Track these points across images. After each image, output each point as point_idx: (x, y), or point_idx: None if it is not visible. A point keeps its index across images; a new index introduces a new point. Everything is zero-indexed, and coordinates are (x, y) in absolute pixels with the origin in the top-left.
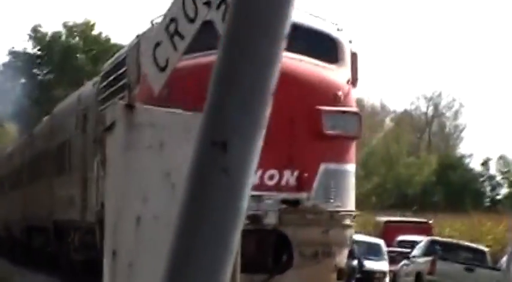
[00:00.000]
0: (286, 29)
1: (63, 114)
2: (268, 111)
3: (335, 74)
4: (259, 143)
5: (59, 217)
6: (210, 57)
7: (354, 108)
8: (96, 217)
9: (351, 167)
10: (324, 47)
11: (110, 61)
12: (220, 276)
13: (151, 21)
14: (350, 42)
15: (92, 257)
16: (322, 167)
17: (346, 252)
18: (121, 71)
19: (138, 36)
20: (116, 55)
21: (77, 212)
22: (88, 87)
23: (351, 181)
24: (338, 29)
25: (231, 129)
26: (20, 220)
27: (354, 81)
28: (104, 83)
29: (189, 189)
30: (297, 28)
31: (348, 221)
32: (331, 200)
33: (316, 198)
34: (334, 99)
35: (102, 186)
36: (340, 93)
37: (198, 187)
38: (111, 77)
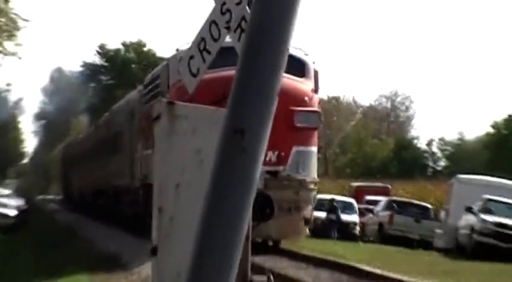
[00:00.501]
0: (288, 48)
1: (117, 112)
2: (274, 106)
3: (303, 85)
4: (268, 130)
5: (116, 183)
6: (219, 73)
7: (316, 108)
8: (140, 184)
9: (314, 149)
10: (296, 66)
11: (149, 76)
12: (242, 227)
13: (177, 49)
14: (313, 63)
15: (138, 212)
16: (294, 149)
17: (311, 207)
18: (156, 83)
19: (167, 59)
20: (153, 71)
21: (127, 180)
22: (134, 93)
23: (314, 158)
24: (305, 54)
25: (248, 120)
26: (89, 186)
27: (316, 90)
28: (145, 91)
29: (217, 164)
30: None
31: (312, 186)
32: (300, 171)
33: (290, 170)
34: (302, 102)
35: (143, 163)
36: (306, 98)
37: (223, 163)
38: (149, 87)
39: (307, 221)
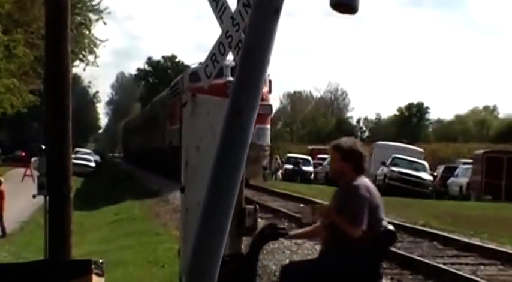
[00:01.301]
0: (269, 59)
1: (155, 103)
2: (259, 98)
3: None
4: (255, 113)
5: (154, 145)
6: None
7: (270, 102)
8: (167, 146)
9: (268, 126)
10: None
11: (173, 82)
12: (240, 171)
13: (189, 67)
14: (268, 75)
15: (166, 162)
16: (256, 126)
17: (267, 160)
18: (176, 87)
19: (182, 73)
20: (175, 80)
21: (160, 143)
22: (165, 92)
23: (268, 132)
24: None
25: (243, 105)
26: (139, 147)
27: (270, 91)
28: (170, 91)
29: (224, 133)
30: None
31: (267, 148)
32: (260, 140)
33: (253, 139)
34: (262, 98)
35: (169, 134)
36: (264, 96)
37: (227, 135)
38: (173, 89)
39: (264, 168)
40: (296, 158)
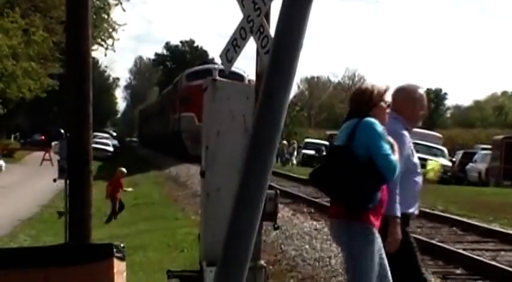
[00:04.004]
0: (301, 46)
1: (163, 95)
2: (291, 83)
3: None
4: (288, 97)
5: (164, 131)
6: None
7: None
8: (173, 131)
9: None
10: (240, 77)
11: (175, 80)
12: (273, 152)
13: (185, 71)
14: (248, 75)
15: (174, 147)
16: None
17: None
18: (177, 84)
19: (180, 75)
20: (176, 79)
21: (168, 128)
22: (170, 87)
23: None
24: (244, 72)
25: (274, 90)
26: (152, 132)
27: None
28: (173, 87)
29: (257, 116)
30: (233, 73)
31: None
32: None
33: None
34: None
35: (173, 121)
36: None
37: (261, 116)
38: (175, 86)
39: None
40: (317, 143)
